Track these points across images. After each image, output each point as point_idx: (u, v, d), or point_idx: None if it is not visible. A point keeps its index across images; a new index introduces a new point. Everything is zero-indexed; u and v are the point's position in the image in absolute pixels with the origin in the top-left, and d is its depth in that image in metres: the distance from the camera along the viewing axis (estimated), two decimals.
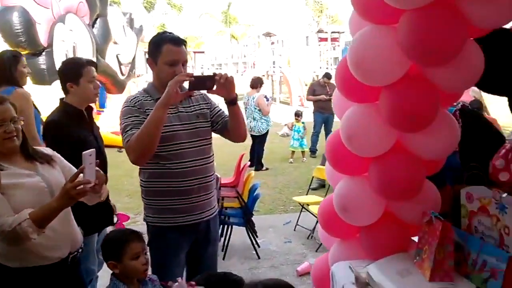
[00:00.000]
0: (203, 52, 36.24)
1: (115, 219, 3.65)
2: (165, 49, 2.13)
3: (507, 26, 1.88)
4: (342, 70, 1.90)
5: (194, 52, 34.26)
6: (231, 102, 2.21)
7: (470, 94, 6.19)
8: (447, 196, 2.12)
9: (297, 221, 5.14)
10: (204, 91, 2.30)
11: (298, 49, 28.61)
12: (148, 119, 2.04)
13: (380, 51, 1.70)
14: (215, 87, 2.13)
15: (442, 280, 1.64)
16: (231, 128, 2.29)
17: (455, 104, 2.46)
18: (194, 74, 2.11)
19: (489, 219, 1.75)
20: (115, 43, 11.96)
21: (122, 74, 12.33)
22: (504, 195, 1.72)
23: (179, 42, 2.16)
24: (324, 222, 2.27)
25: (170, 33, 2.23)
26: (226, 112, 2.31)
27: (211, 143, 2.31)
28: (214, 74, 2.11)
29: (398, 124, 1.78)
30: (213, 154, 2.32)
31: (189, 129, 2.21)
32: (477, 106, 5.90)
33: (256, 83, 8.59)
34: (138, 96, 2.22)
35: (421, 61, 1.67)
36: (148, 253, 2.01)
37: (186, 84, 2.13)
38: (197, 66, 32.78)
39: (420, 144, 1.85)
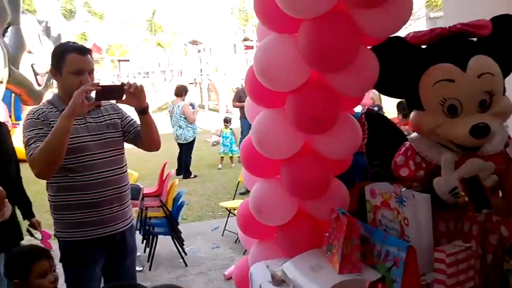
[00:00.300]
0: (128, 60, 35.38)
1: (39, 236, 3.48)
2: (69, 58, 2.08)
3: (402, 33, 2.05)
4: (251, 77, 1.96)
5: (119, 61, 33.35)
6: (142, 111, 2.20)
7: (370, 96, 6.60)
8: (356, 193, 2.26)
9: (225, 226, 5.18)
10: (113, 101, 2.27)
11: (226, 57, 28.83)
12: (53, 130, 1.97)
13: (283, 59, 1.78)
14: (124, 97, 2.10)
15: (350, 272, 1.74)
16: (144, 137, 2.28)
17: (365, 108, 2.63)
18: (101, 84, 2.08)
19: (390, 212, 1.89)
20: (30, 52, 11.31)
21: (39, 85, 11.66)
22: (403, 189, 1.87)
23: (84, 51, 2.13)
24: (242, 225, 2.32)
25: (74, 43, 2.18)
26: (138, 122, 2.29)
27: (123, 153, 2.28)
28: (122, 84, 2.09)
29: (303, 127, 1.88)
30: (126, 164, 2.29)
31: (99, 140, 2.17)
32: (380, 109, 6.38)
33: (181, 91, 8.56)
34: (42, 108, 2.15)
35: (320, 67, 1.78)
36: (57, 270, 1.94)
37: (94, 94, 2.10)
38: (122, 74, 31.92)
39: (325, 145, 1.96)
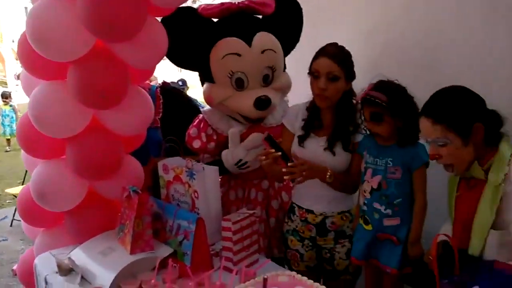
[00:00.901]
0: None
1: None
2: None
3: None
4: (24, 45, 1.71)
5: None
6: None
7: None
8: (150, 170, 2.22)
9: (14, 216, 4.62)
10: None
11: (15, 21, 25.26)
12: None
13: (59, 24, 1.59)
14: None
15: (143, 251, 1.69)
16: None
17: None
18: None
19: (182, 186, 1.91)
20: None
21: None
22: (194, 163, 1.90)
23: None
24: (23, 213, 2.05)
25: None
26: None
27: None
28: None
29: (88, 101, 1.73)
30: None
31: None
32: (184, 83, 6.46)
33: None
34: None
35: (102, 36, 1.65)
36: None
37: None
38: None
39: (115, 121, 1.85)
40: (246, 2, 2.11)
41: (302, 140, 1.90)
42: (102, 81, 1.69)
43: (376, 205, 1.75)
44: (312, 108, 1.91)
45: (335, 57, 1.79)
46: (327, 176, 1.78)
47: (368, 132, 1.83)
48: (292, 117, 1.98)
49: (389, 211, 1.73)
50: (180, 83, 6.60)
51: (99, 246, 1.78)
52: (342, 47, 1.86)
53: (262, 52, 2.04)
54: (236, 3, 2.12)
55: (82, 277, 1.64)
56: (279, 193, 2.21)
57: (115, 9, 1.54)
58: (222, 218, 1.72)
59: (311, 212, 1.92)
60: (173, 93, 2.55)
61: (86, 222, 1.94)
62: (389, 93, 1.69)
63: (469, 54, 1.93)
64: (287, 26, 2.19)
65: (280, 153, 1.71)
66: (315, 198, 1.91)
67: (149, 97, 2.00)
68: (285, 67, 2.22)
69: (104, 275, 1.59)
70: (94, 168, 1.85)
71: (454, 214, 1.48)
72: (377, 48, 2.27)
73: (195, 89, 7.16)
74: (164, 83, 2.63)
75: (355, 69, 1.88)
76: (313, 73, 1.83)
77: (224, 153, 2.10)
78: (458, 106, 1.36)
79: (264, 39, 2.08)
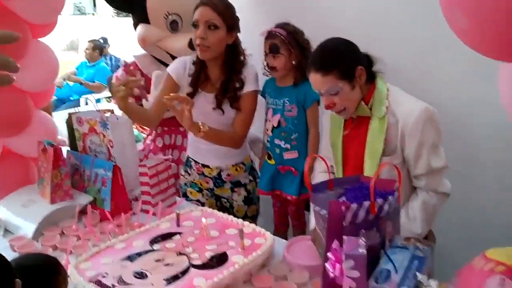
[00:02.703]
0: None
1: None
2: None
3: None
4: None
5: None
6: None
7: None
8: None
9: None
10: None
11: None
12: None
13: None
14: None
15: (62, 200, 1.77)
16: None
17: None
18: None
19: (98, 137, 1.97)
20: None
21: None
22: (108, 114, 1.96)
23: None
24: None
25: None
26: None
27: None
28: None
29: None
30: None
31: None
32: (105, 41, 6.27)
33: None
34: None
35: None
36: None
37: None
38: None
39: (19, 77, 1.84)
40: None
41: (191, 97, 1.86)
42: None
43: (277, 141, 1.95)
44: (198, 62, 1.88)
45: (215, 6, 1.76)
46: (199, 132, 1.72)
47: (269, 75, 2.00)
48: (180, 70, 1.92)
49: (288, 145, 1.94)
50: (101, 40, 6.39)
51: (20, 199, 1.82)
52: None
53: None
54: None
55: (6, 229, 1.69)
56: None
57: None
58: (138, 164, 1.82)
59: (207, 166, 2.00)
60: None
61: (3, 179, 1.97)
62: (288, 30, 1.89)
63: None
64: None
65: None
66: (209, 153, 1.97)
67: (53, 51, 1.99)
68: None
69: (26, 225, 1.65)
70: (4, 125, 1.86)
71: (342, 151, 1.61)
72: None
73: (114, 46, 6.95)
74: None
75: None
76: (194, 23, 1.79)
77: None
78: (341, 55, 1.47)
79: None
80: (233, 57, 1.85)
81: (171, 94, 1.60)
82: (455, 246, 1.78)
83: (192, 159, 2.06)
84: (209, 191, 2.07)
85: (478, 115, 1.86)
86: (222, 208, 2.08)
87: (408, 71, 1.90)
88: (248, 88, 1.85)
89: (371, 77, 1.54)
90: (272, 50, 1.89)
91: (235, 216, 1.98)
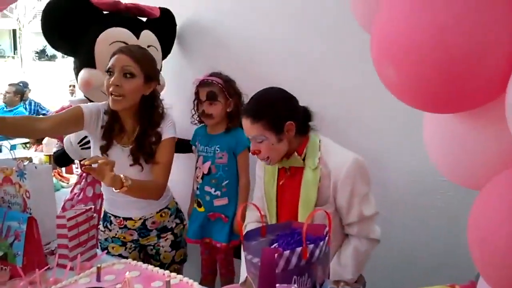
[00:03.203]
0: None
1: None
2: None
3: None
4: None
5: None
6: None
7: None
8: None
9: None
10: None
11: None
12: None
13: None
14: None
15: None
16: None
17: None
18: None
19: (13, 187, 1.83)
20: None
21: None
22: (26, 163, 1.83)
23: None
24: None
25: None
26: None
27: None
28: None
29: None
30: None
31: None
32: (25, 85, 6.08)
33: None
34: None
35: None
36: None
37: None
38: None
39: None
40: (135, 4, 2.26)
41: (105, 150, 1.76)
42: None
43: (207, 188, 1.93)
44: (110, 112, 1.75)
45: (132, 54, 1.68)
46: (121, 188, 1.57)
47: (199, 124, 2.00)
48: (93, 116, 1.76)
49: (218, 192, 1.92)
50: (21, 84, 6.14)
51: None
52: (144, 49, 1.79)
53: (148, 46, 2.07)
54: (125, 3, 2.24)
55: None
56: None
57: None
58: (57, 215, 1.70)
59: (130, 219, 1.87)
60: None
61: None
62: (223, 78, 1.95)
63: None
64: (166, 32, 2.37)
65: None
66: (128, 205, 1.84)
67: None
68: (161, 69, 2.29)
69: None
70: None
71: (276, 202, 1.61)
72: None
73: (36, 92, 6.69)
74: None
75: None
76: (108, 69, 1.67)
77: (67, 137, 2.09)
78: (272, 107, 1.49)
79: (150, 36, 2.20)
80: (150, 109, 1.76)
81: (92, 157, 1.49)
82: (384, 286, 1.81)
83: (111, 214, 1.91)
84: (133, 243, 1.94)
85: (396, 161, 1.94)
86: (147, 257, 1.97)
87: (335, 120, 1.97)
88: (165, 136, 1.76)
89: (305, 131, 1.56)
90: (209, 97, 1.91)
91: (161, 262, 1.92)
